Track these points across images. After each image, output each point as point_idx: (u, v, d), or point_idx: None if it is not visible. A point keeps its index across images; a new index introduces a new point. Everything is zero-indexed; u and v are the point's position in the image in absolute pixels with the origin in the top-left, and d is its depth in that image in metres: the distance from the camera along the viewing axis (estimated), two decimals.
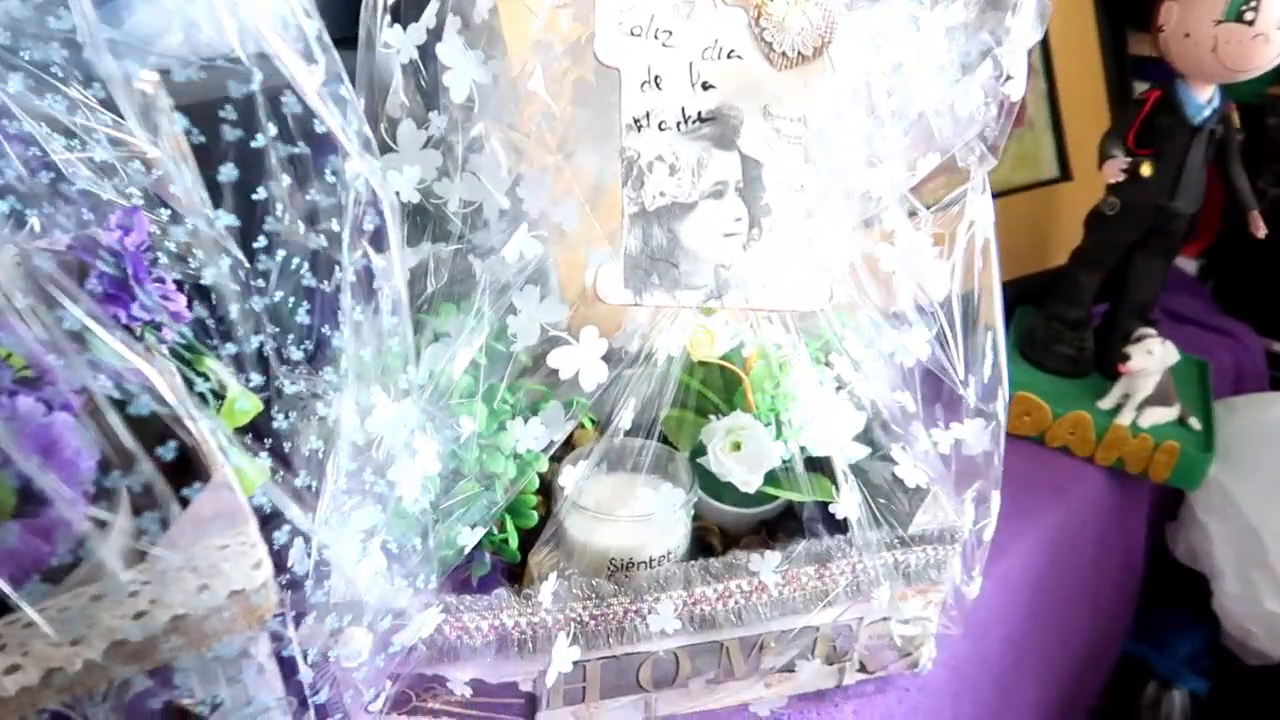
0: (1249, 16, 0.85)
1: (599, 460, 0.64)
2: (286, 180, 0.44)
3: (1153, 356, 0.96)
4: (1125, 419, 0.98)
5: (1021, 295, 1.13)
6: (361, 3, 0.51)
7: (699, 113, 0.51)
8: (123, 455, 0.35)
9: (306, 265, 0.45)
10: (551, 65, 0.57)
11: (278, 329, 0.44)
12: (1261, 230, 0.96)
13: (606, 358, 0.56)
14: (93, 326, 0.34)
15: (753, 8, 0.52)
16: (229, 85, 0.40)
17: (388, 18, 0.51)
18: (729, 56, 0.52)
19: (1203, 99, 0.93)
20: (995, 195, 0.97)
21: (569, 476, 0.60)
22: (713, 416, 0.72)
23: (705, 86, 0.51)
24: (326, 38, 0.40)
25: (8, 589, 0.33)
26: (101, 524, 0.34)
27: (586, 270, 0.56)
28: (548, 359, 0.52)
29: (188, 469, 0.38)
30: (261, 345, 0.43)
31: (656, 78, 0.51)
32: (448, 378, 0.58)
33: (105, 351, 0.38)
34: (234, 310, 0.40)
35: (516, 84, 0.52)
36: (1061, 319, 1.05)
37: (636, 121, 0.50)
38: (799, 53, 0.52)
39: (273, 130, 0.42)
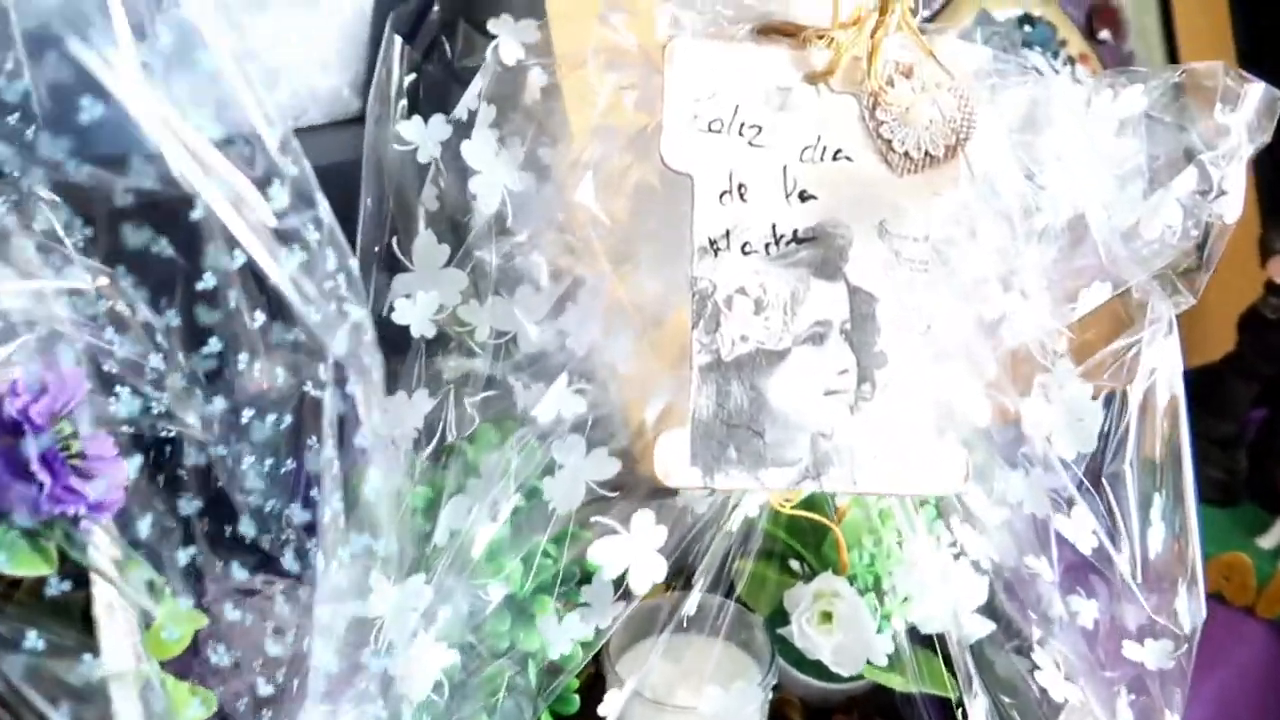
0: None
1: (662, 639, 0.52)
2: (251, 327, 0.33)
3: None
4: None
5: None
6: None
7: (795, 231, 0.39)
8: None
9: (272, 423, 0.35)
10: (610, 161, 0.46)
11: (224, 513, 0.33)
12: None
13: (666, 548, 0.44)
14: None
15: (867, 96, 0.40)
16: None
17: (403, 104, 0.40)
18: (835, 158, 0.40)
19: None
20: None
21: (627, 667, 0.48)
22: (797, 564, 0.59)
23: (803, 197, 0.39)
24: (295, 144, 0.30)
25: None
26: None
27: (646, 416, 0.44)
28: (588, 553, 0.40)
29: None
30: (196, 557, 0.32)
31: (740, 186, 0.39)
32: (471, 540, 0.47)
33: None
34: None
35: (564, 189, 0.41)
36: (1208, 436, 0.90)
37: (713, 244, 0.38)
38: (926, 153, 0.40)
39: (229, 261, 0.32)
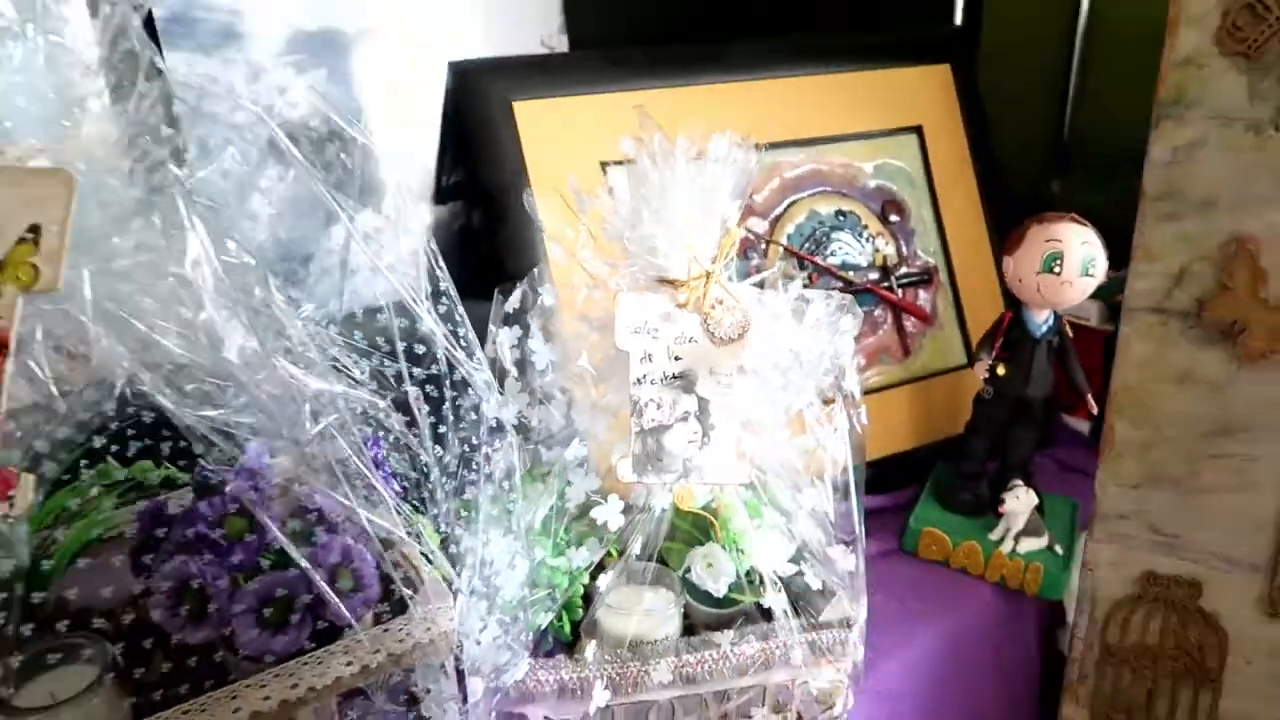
0: (1056, 270, 1.25)
1: (620, 575, 1.03)
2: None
3: (1019, 500, 1.33)
4: (1005, 547, 1.34)
5: (938, 453, 1.52)
6: None
7: (672, 374, 0.92)
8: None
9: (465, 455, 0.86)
10: (590, 336, 0.99)
11: (449, 496, 0.84)
12: (1095, 409, 1.34)
13: (624, 511, 0.95)
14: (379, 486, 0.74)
15: (703, 315, 0.93)
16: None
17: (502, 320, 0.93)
18: (690, 341, 0.93)
19: (1040, 319, 1.33)
20: (921, 379, 1.44)
21: (602, 581, 0.99)
22: (697, 541, 1.11)
23: (676, 358, 0.92)
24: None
25: None
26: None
27: (612, 456, 0.96)
28: (590, 513, 0.91)
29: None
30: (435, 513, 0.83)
31: (649, 354, 0.92)
32: (529, 523, 0.97)
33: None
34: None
35: (569, 357, 0.94)
36: (962, 473, 1.44)
37: (638, 380, 0.91)
38: (730, 337, 0.93)
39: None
